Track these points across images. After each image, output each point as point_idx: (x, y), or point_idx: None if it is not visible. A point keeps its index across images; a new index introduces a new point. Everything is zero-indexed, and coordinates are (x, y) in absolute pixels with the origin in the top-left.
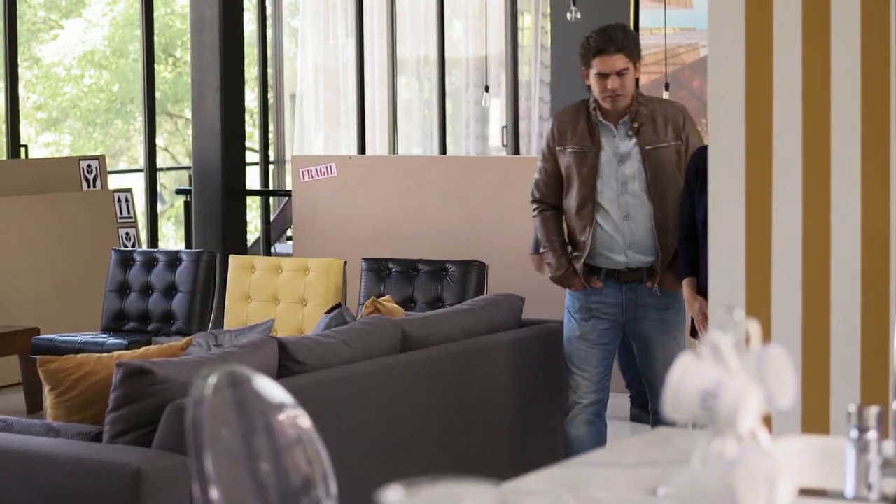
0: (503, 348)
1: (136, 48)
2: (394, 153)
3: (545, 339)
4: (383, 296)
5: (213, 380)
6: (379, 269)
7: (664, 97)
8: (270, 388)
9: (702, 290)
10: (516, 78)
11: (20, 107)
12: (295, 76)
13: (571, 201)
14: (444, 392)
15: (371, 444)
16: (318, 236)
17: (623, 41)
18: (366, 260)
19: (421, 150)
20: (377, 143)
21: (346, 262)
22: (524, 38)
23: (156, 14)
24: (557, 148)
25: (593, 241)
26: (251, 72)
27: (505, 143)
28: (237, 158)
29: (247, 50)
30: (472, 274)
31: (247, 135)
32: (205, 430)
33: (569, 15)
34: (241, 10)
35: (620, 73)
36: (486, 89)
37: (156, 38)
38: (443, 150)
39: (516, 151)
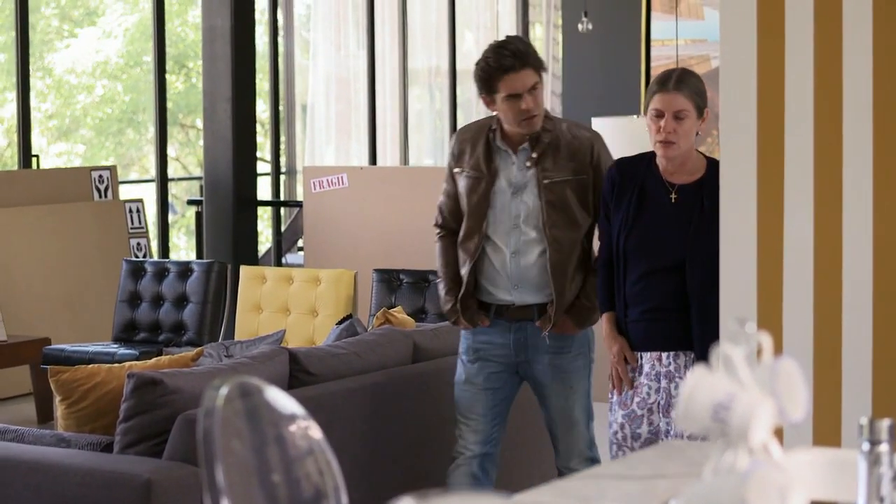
0: None
1: (148, 59)
2: (405, 164)
3: None
4: (394, 307)
5: (224, 391)
6: (390, 280)
7: (577, 123)
8: (282, 399)
9: (619, 322)
10: None
11: (32, 117)
12: (306, 87)
13: (461, 230)
14: (453, 402)
15: (382, 455)
16: (330, 247)
17: (528, 54)
18: (377, 271)
19: (432, 160)
20: (388, 154)
21: (356, 273)
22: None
23: (168, 25)
24: (455, 169)
25: (479, 276)
26: (262, 83)
27: None
28: (248, 169)
29: (258, 61)
30: None
31: (258, 145)
32: (216, 441)
33: (580, 26)
34: (253, 21)
35: (532, 90)
36: None
37: (168, 49)
38: None
39: None
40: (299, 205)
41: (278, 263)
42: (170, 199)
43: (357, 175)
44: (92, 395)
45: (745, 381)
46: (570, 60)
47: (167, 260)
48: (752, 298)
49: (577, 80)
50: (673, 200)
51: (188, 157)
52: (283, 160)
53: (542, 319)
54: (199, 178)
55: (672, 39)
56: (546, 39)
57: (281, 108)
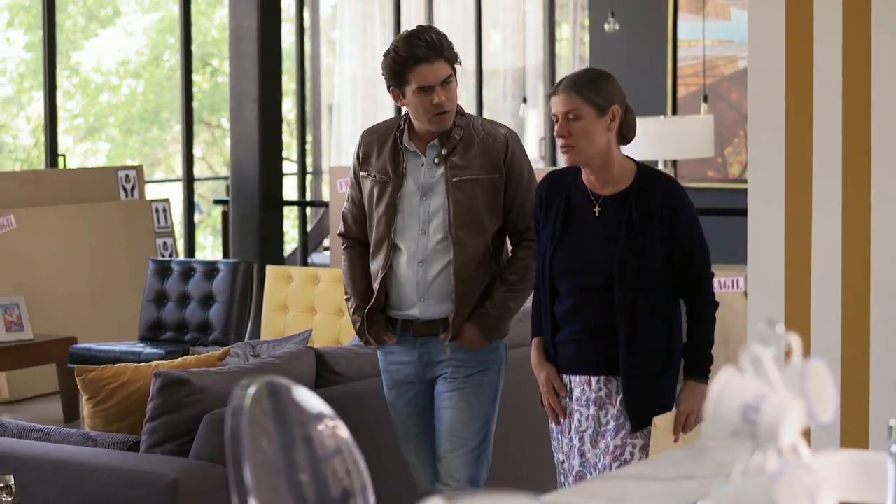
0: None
1: (171, 57)
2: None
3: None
4: None
5: (252, 390)
6: None
7: (493, 120)
8: (310, 399)
9: (547, 347)
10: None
11: (58, 116)
12: (332, 87)
13: (370, 240)
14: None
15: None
16: None
17: (441, 44)
18: None
19: None
20: None
21: None
22: (562, 49)
23: (195, 24)
24: (361, 173)
25: (388, 290)
26: (289, 83)
27: (543, 154)
28: (275, 169)
29: (285, 61)
30: None
31: (284, 145)
32: (244, 440)
33: (607, 26)
34: (280, 20)
35: (445, 83)
36: (524, 100)
37: (196, 48)
38: None
39: (554, 163)
40: (325, 205)
41: (304, 263)
42: (196, 198)
43: None
44: (118, 394)
45: (775, 383)
46: (597, 61)
47: (193, 259)
48: (779, 300)
49: None
50: (597, 214)
51: (214, 156)
52: (309, 160)
53: (445, 331)
54: (224, 178)
55: (699, 40)
56: (573, 39)
57: (307, 107)
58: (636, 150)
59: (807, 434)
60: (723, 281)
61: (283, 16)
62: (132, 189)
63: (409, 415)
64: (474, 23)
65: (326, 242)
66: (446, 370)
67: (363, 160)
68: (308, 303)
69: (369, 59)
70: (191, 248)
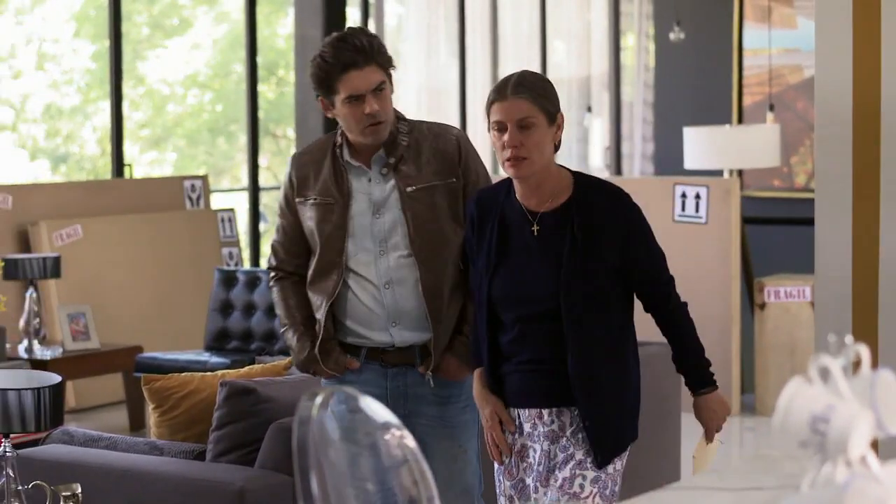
0: None
1: (239, 68)
2: (496, 173)
3: (650, 361)
4: None
5: (319, 400)
6: None
7: (439, 123)
8: (376, 409)
9: (491, 382)
10: (619, 98)
11: (124, 126)
12: (397, 97)
13: (311, 270)
14: None
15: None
16: None
17: (371, 47)
18: None
19: None
20: None
21: None
22: (627, 58)
23: (260, 35)
24: (297, 199)
25: (342, 317)
26: None
27: (608, 163)
28: None
29: None
30: None
31: None
32: (311, 450)
33: (672, 35)
34: (343, 29)
35: (377, 91)
36: (589, 109)
37: (259, 58)
38: None
39: (618, 172)
40: None
41: None
42: (261, 208)
43: None
44: (185, 404)
45: (843, 393)
46: (662, 70)
47: (258, 269)
48: (847, 309)
49: (668, 90)
50: (535, 233)
51: (279, 166)
52: None
53: (424, 363)
54: None
55: (765, 49)
56: (638, 49)
57: None
58: (702, 159)
59: (874, 445)
60: (788, 291)
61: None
62: (198, 199)
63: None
64: (539, 32)
65: None
66: (428, 408)
67: (298, 186)
68: None
69: (433, 69)
70: (256, 257)
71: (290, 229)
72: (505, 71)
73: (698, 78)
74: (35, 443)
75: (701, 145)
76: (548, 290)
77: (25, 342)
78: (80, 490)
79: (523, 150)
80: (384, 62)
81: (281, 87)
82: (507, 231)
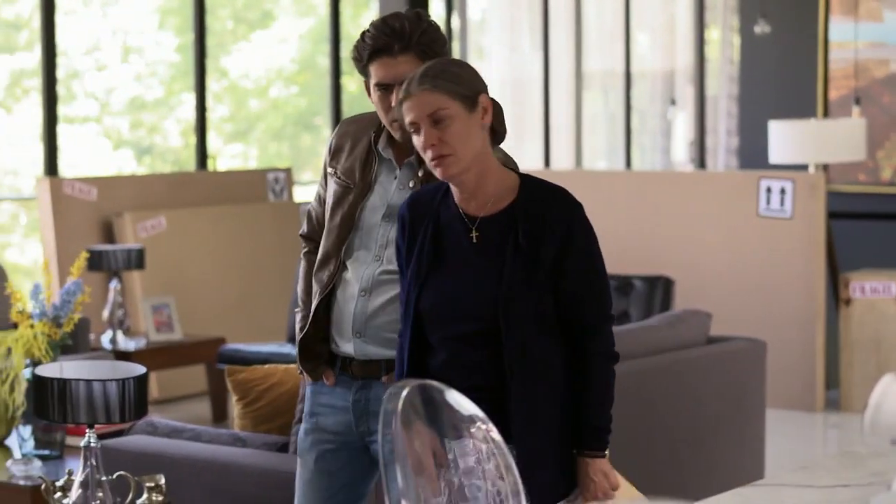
0: (691, 365)
1: (323, 62)
2: (578, 167)
3: (734, 357)
4: None
5: (405, 393)
6: None
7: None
8: (462, 402)
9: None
10: (703, 92)
11: (207, 118)
12: None
13: (318, 252)
14: (630, 408)
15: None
16: None
17: (412, 34)
18: None
19: (605, 163)
20: (562, 157)
21: None
22: (711, 51)
23: (344, 29)
24: (329, 169)
25: (326, 317)
26: None
27: (693, 157)
28: None
29: None
30: (659, 289)
31: None
32: (396, 442)
33: (757, 28)
34: None
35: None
36: (673, 103)
37: (344, 53)
38: (628, 163)
39: (702, 166)
40: None
41: None
42: None
43: None
44: (268, 396)
45: None
46: (747, 63)
47: None
48: None
49: (753, 83)
50: (473, 240)
51: None
52: None
53: (389, 374)
54: None
55: (851, 42)
56: (722, 42)
57: None
58: (787, 153)
59: None
60: (874, 286)
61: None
62: (281, 191)
63: (314, 472)
64: (623, 24)
65: None
66: None
67: (334, 153)
68: None
69: (517, 62)
70: None
71: (324, 197)
72: (589, 64)
73: (783, 71)
74: (119, 433)
75: (786, 139)
76: (486, 306)
77: (109, 333)
78: (163, 481)
79: (444, 147)
80: (426, 53)
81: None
82: (441, 237)
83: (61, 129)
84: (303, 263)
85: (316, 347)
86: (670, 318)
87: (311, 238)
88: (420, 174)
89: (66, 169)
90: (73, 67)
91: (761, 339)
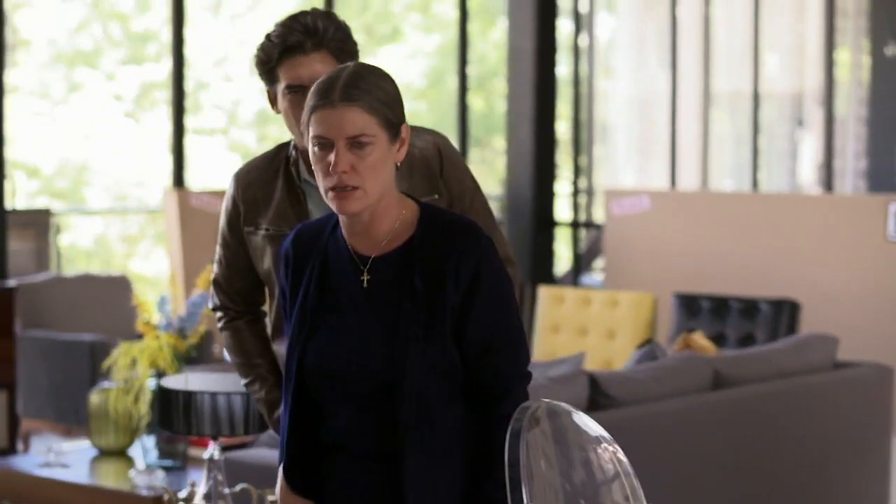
0: (817, 390)
1: (451, 79)
2: (704, 186)
3: (860, 382)
4: (693, 331)
5: (531, 414)
6: (689, 305)
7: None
8: (589, 423)
9: (299, 481)
10: (831, 114)
11: None
12: (607, 108)
13: (270, 320)
14: (754, 432)
15: (679, 481)
16: (629, 269)
17: (326, 30)
18: (677, 296)
19: (731, 183)
20: (688, 176)
21: (656, 297)
22: (841, 73)
23: (472, 45)
24: (246, 228)
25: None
26: (563, 104)
27: (819, 179)
28: (548, 189)
29: (559, 83)
30: (785, 313)
31: (557, 165)
32: (523, 462)
33: (888, 50)
34: (555, 43)
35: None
36: (800, 124)
37: (471, 69)
38: (754, 184)
39: (830, 189)
40: (597, 227)
41: (575, 284)
42: None
43: (658, 198)
44: None
45: None
46: (877, 85)
47: None
48: None
49: (883, 106)
50: (365, 285)
51: (486, 174)
52: (581, 181)
53: None
54: (496, 198)
55: None
56: (852, 64)
57: (581, 128)
58: None
59: None
60: None
61: (561, 40)
62: None
63: None
64: (752, 44)
65: (596, 264)
66: None
67: (246, 212)
68: (580, 324)
69: (643, 80)
70: None
71: (235, 260)
72: (716, 83)
73: None
74: (243, 446)
75: None
76: (377, 361)
77: None
78: None
79: (354, 178)
80: (341, 52)
81: (490, 99)
82: (329, 279)
83: (189, 141)
84: (227, 334)
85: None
86: (796, 342)
87: (225, 307)
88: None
89: (192, 180)
90: (201, 79)
91: (888, 366)
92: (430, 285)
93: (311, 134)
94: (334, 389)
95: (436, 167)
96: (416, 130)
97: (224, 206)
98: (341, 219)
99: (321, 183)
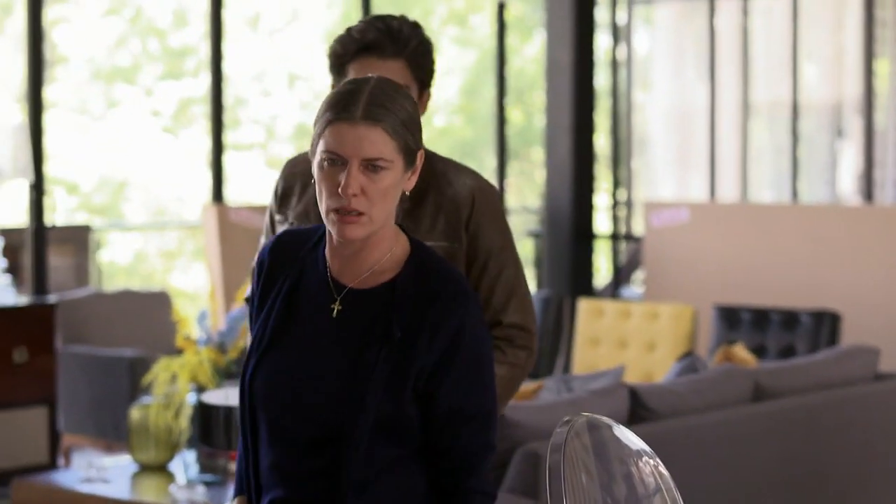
0: (858, 402)
1: (488, 93)
2: (743, 198)
3: None
4: (733, 343)
5: (573, 427)
6: (729, 317)
7: (459, 163)
8: (630, 436)
9: None
10: (871, 124)
11: None
12: (645, 120)
13: None
14: (795, 445)
15: (720, 494)
16: (669, 281)
17: (410, 39)
18: (717, 308)
19: (771, 194)
20: (727, 188)
21: (696, 309)
22: (880, 83)
23: (509, 60)
24: (277, 217)
25: None
26: (602, 116)
27: (859, 190)
28: (587, 201)
29: (598, 96)
30: (825, 324)
31: (597, 178)
32: (564, 476)
33: None
34: (593, 56)
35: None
36: (840, 134)
37: (510, 83)
38: (794, 195)
39: (870, 199)
40: (636, 239)
41: (615, 297)
42: None
43: (697, 210)
44: None
45: None
46: None
47: None
48: None
49: None
50: (334, 314)
51: (526, 186)
52: (620, 193)
53: None
54: (534, 211)
55: None
56: (892, 74)
57: (620, 141)
58: None
59: None
60: None
61: (599, 53)
62: None
63: None
64: (790, 55)
65: (635, 276)
66: None
67: (281, 200)
68: (620, 337)
69: (681, 92)
70: None
71: None
72: (755, 94)
73: None
74: None
75: None
76: (329, 407)
77: None
78: None
79: (363, 202)
80: (418, 66)
81: (528, 111)
82: (297, 299)
83: (227, 156)
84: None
85: None
86: (837, 353)
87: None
88: (407, 206)
89: (231, 195)
90: (240, 94)
91: None
92: (405, 335)
93: (321, 147)
94: (274, 420)
95: (464, 215)
96: (458, 169)
97: (272, 191)
98: (330, 238)
99: (323, 202)
